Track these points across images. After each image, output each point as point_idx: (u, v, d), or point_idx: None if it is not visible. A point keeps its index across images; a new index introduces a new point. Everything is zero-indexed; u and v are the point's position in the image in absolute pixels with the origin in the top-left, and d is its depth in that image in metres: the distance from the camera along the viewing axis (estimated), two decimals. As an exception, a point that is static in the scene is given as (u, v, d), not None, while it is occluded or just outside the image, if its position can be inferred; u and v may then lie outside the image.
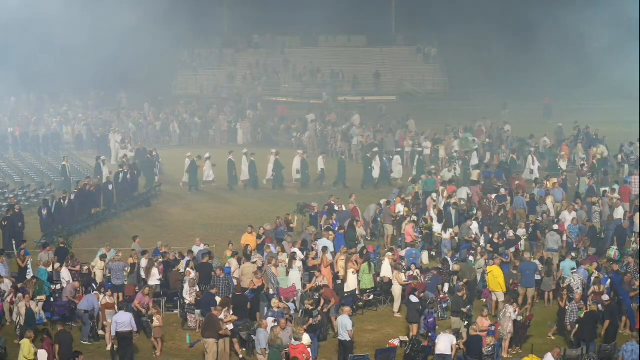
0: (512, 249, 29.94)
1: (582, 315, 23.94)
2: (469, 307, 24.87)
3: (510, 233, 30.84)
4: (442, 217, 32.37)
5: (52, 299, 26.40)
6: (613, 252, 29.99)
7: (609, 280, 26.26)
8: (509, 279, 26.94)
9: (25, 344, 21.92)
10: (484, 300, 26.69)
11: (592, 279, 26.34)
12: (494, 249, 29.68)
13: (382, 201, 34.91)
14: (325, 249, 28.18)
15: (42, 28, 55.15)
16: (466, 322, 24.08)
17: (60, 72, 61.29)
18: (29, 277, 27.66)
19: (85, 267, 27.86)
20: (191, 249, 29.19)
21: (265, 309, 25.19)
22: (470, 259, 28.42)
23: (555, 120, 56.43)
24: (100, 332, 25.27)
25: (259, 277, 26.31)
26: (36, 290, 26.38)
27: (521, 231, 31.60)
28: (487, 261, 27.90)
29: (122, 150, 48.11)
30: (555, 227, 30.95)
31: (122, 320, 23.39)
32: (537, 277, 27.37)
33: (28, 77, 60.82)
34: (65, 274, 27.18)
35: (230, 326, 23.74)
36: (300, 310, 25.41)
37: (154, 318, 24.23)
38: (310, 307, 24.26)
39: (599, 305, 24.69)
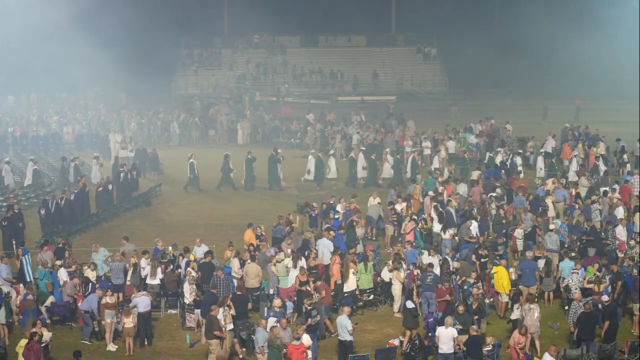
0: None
1: (578, 315, 24.01)
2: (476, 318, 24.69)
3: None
4: (443, 217, 32.36)
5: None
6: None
7: (619, 283, 26.24)
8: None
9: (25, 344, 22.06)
10: (491, 300, 26.69)
11: (593, 279, 26.31)
12: (493, 248, 29.69)
13: (374, 199, 34.92)
14: (336, 249, 28.47)
15: (41, 24, 55.30)
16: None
17: (60, 72, 61.33)
18: (27, 279, 27.62)
19: (85, 267, 27.86)
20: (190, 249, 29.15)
21: (266, 309, 25.21)
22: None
23: (555, 120, 56.40)
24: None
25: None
26: (40, 297, 26.42)
27: (519, 231, 31.60)
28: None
29: (122, 151, 48.13)
30: (552, 226, 30.92)
31: (142, 302, 24.85)
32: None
33: (28, 75, 60.91)
34: (62, 274, 27.13)
35: (231, 326, 23.77)
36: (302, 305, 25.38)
37: (127, 319, 24.33)
38: (309, 307, 24.25)
39: (599, 305, 24.70)
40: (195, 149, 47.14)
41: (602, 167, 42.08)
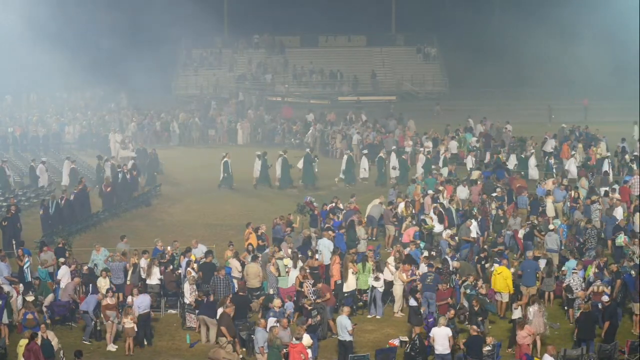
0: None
1: (578, 315, 24.04)
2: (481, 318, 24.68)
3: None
4: (443, 217, 32.39)
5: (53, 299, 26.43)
6: (622, 239, 29.88)
7: (619, 281, 26.23)
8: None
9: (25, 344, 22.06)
10: (489, 301, 26.64)
11: (592, 277, 26.29)
12: (493, 247, 29.69)
13: (378, 200, 34.88)
14: (336, 249, 28.55)
15: (41, 24, 55.32)
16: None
17: (60, 71, 61.33)
18: (27, 279, 27.61)
19: (85, 267, 27.85)
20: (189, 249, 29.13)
21: (261, 309, 25.23)
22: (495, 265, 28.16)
23: (562, 121, 56.21)
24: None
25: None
26: (38, 292, 26.41)
27: (521, 232, 31.56)
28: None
29: (122, 151, 48.13)
30: (551, 227, 30.90)
31: (142, 303, 24.77)
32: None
33: (27, 74, 60.90)
34: (62, 272, 27.10)
35: (229, 326, 23.84)
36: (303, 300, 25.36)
37: (126, 319, 24.32)
38: (309, 307, 24.25)
39: (599, 305, 24.71)
40: (230, 149, 47.04)
41: (635, 168, 41.78)
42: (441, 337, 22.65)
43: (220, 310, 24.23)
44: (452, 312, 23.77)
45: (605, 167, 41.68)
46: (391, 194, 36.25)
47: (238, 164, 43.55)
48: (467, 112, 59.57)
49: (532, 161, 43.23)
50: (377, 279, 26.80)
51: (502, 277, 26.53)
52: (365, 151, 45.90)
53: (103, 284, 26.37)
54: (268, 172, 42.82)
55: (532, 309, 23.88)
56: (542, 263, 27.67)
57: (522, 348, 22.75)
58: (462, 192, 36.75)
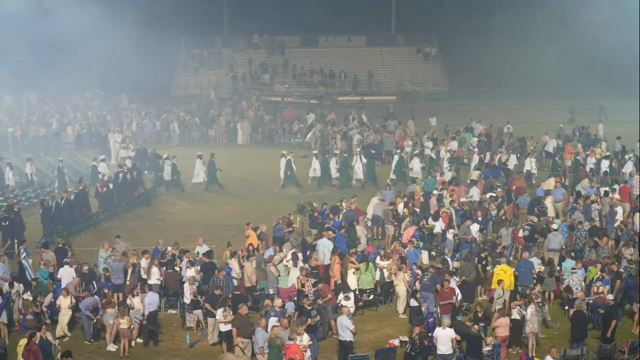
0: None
1: (571, 314, 24.08)
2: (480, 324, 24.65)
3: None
4: (438, 214, 32.46)
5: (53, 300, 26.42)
6: None
7: (618, 282, 26.21)
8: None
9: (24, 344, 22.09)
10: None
11: (594, 279, 26.31)
12: (493, 248, 29.71)
13: (377, 199, 34.83)
14: (335, 249, 28.54)
15: (39, 25, 55.35)
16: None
17: (60, 71, 61.36)
18: (30, 276, 27.64)
19: (86, 267, 27.84)
20: (194, 249, 29.14)
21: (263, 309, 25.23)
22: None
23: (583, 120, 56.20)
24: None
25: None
26: (37, 292, 26.42)
27: (520, 232, 31.58)
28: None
29: (122, 151, 48.12)
30: (554, 226, 30.89)
31: (153, 301, 25.01)
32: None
33: (26, 75, 60.85)
34: (62, 271, 27.05)
35: (228, 326, 23.77)
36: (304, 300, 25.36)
37: (122, 320, 24.31)
38: (308, 307, 24.25)
39: (601, 306, 24.73)
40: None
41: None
42: (445, 338, 22.61)
43: (220, 311, 24.22)
44: (476, 327, 23.63)
45: (604, 167, 41.60)
46: (385, 195, 36.16)
47: (238, 164, 43.51)
48: (467, 112, 59.63)
49: (591, 161, 42.36)
50: (347, 298, 25.34)
51: (507, 275, 26.59)
52: (416, 151, 45.79)
53: (64, 303, 25.36)
54: (329, 171, 42.87)
55: (530, 310, 23.94)
56: (537, 262, 27.73)
57: (498, 338, 23.05)
58: (474, 193, 36.67)
